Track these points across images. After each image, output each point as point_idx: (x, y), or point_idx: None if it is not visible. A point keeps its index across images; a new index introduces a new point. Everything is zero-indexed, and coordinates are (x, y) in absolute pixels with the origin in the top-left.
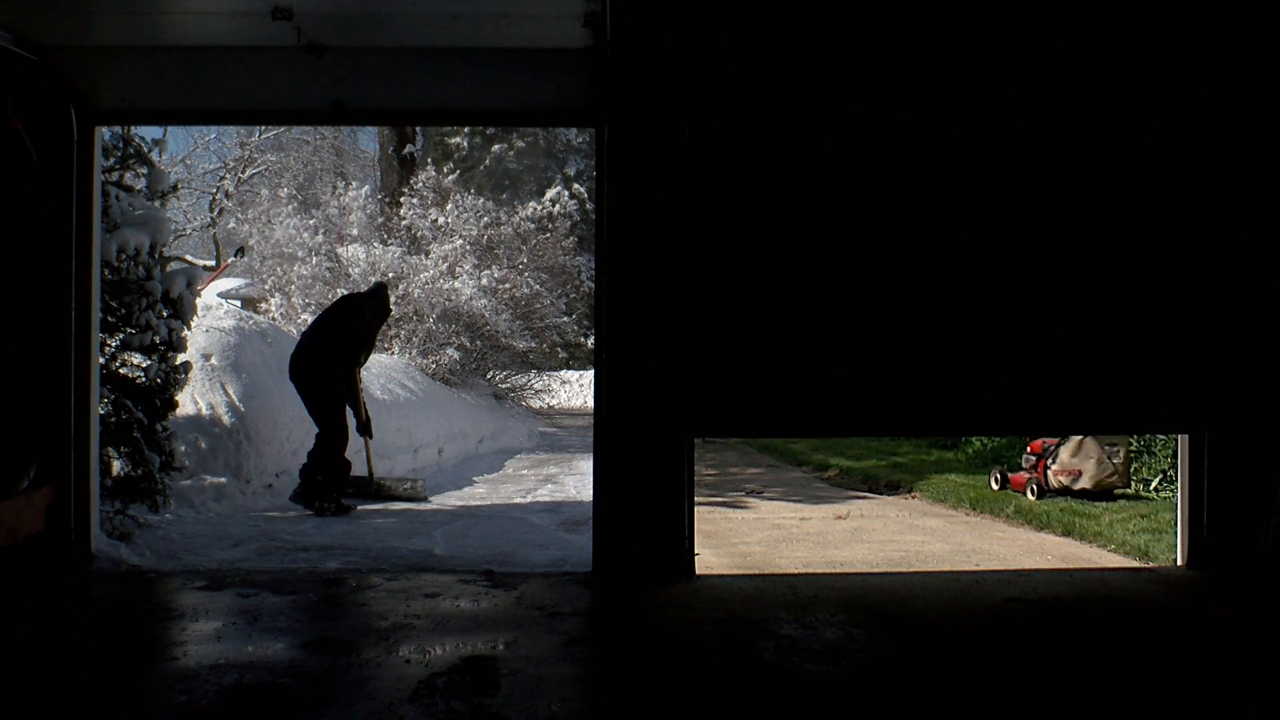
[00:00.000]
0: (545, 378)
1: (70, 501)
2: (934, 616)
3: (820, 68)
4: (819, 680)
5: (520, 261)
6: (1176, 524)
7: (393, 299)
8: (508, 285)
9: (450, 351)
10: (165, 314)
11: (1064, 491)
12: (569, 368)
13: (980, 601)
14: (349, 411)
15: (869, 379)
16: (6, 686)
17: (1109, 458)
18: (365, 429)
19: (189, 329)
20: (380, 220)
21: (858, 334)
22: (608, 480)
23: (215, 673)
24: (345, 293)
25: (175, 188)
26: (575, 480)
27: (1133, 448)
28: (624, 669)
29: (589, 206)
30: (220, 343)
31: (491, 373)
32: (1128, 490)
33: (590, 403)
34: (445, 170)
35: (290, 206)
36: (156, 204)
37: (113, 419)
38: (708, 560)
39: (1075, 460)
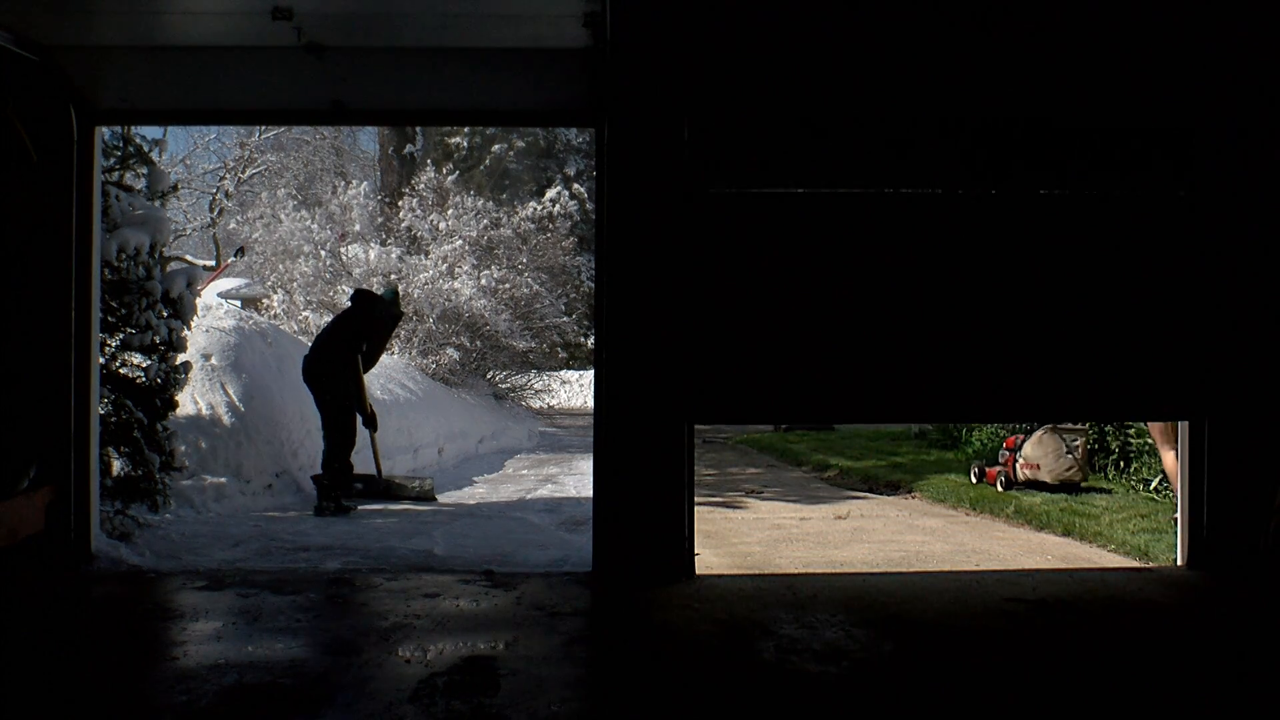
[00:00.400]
0: (545, 378)
1: (70, 501)
2: (934, 616)
3: (820, 66)
4: (819, 680)
5: (520, 261)
6: (1177, 524)
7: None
8: (507, 285)
9: (450, 352)
10: (165, 314)
11: (1030, 484)
12: (569, 368)
13: (980, 601)
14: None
15: (869, 365)
16: (6, 686)
17: (1067, 451)
18: (370, 422)
19: (189, 329)
20: (380, 220)
21: (857, 321)
22: (608, 473)
23: (215, 673)
24: (352, 290)
25: (175, 188)
26: (575, 480)
27: (1125, 447)
28: (624, 669)
29: (589, 206)
30: (220, 343)
31: (491, 373)
32: (1087, 483)
33: (590, 403)
34: (445, 170)
35: (290, 205)
36: (156, 204)
37: (113, 419)
38: (708, 560)
39: (1036, 453)
